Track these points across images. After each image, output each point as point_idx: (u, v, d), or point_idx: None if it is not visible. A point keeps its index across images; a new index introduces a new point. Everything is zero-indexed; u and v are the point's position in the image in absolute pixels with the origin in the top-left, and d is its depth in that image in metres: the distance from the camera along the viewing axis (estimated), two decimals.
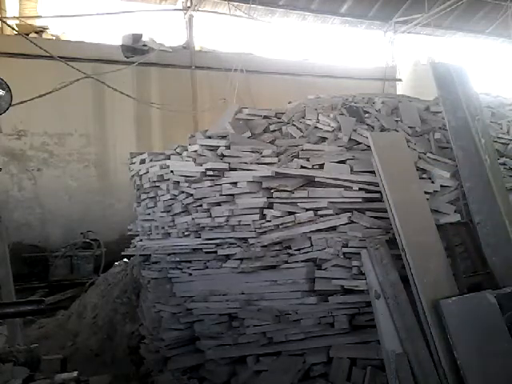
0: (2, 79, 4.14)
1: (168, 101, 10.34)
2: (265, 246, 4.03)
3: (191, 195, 4.39)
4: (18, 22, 10.32)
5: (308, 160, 4.13)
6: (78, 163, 10.13)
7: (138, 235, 5.31)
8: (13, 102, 4.23)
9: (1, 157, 9.32)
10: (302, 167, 4.11)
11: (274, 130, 4.83)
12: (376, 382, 3.44)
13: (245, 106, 5.35)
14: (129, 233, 5.51)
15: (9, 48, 9.29)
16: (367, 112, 4.95)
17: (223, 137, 4.63)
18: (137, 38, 10.39)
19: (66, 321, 6.21)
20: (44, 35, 10.33)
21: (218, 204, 4.24)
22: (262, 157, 4.25)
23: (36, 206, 9.69)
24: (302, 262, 3.91)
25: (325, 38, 13.45)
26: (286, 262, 3.97)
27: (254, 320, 3.93)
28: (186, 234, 4.48)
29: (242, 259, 4.08)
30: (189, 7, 11.19)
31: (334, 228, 3.88)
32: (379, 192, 3.84)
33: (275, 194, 4.01)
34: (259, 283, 4.04)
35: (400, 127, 4.71)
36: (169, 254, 4.59)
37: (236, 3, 11.46)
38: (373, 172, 3.90)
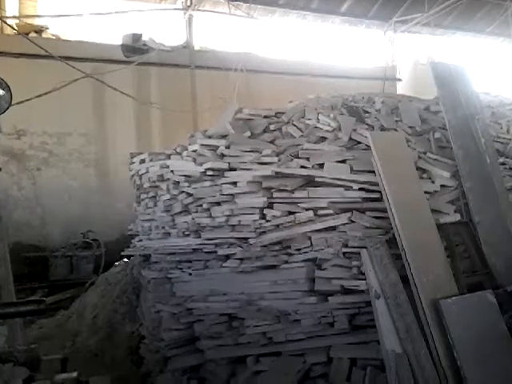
0: (1, 79, 4.13)
1: (168, 100, 10.34)
2: (265, 246, 4.03)
3: (191, 195, 4.38)
4: (17, 21, 10.32)
5: (308, 160, 4.13)
6: (77, 163, 10.12)
7: (137, 235, 5.31)
8: (13, 102, 4.22)
9: (0, 156, 9.31)
10: (302, 167, 4.11)
11: (274, 130, 4.83)
12: (376, 382, 3.44)
13: (245, 105, 5.34)
14: (129, 233, 5.51)
15: (9, 47, 9.28)
16: (367, 112, 4.96)
17: (223, 136, 4.63)
18: (137, 37, 10.38)
19: (66, 321, 6.20)
20: (44, 35, 10.32)
21: (218, 204, 4.23)
22: (262, 156, 4.25)
23: (36, 206, 9.68)
24: (302, 261, 3.90)
25: (325, 38, 13.43)
26: (286, 262, 3.97)
27: (254, 320, 3.92)
28: (185, 233, 4.48)
29: (241, 259, 4.08)
30: (188, 6, 11.18)
31: (333, 228, 3.88)
32: (379, 192, 3.83)
33: (275, 194, 4.00)
34: (259, 283, 4.03)
35: (400, 127, 4.72)
36: (169, 254, 4.59)
37: (236, 2, 11.43)
38: (373, 172, 3.90)
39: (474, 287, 3.66)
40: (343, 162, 4.08)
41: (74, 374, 2.86)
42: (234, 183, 4.13)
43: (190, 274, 4.38)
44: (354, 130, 4.50)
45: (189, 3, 11.19)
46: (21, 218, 9.45)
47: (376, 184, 3.86)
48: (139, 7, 11.05)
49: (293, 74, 11.66)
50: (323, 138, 4.53)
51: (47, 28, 10.44)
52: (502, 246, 4.04)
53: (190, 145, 4.63)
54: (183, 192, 4.47)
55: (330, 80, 11.84)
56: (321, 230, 3.89)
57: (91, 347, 5.39)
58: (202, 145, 4.46)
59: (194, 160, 4.38)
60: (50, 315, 6.43)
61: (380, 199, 3.84)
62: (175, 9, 11.44)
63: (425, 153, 4.41)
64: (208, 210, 4.27)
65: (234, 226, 4.17)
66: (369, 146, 4.04)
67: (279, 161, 4.18)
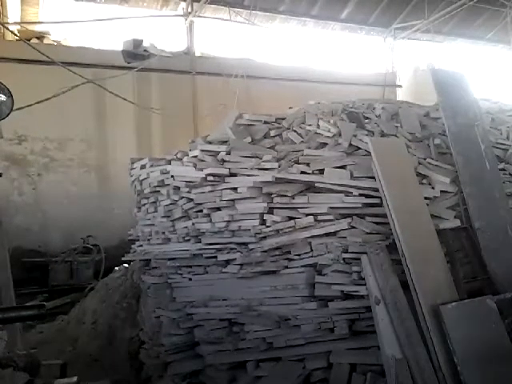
0: (3, 84, 4.15)
1: (168, 106, 10.38)
2: (265, 252, 4.03)
3: (191, 200, 4.39)
4: (19, 27, 10.37)
5: (308, 165, 4.14)
6: (78, 168, 10.15)
7: (138, 240, 5.31)
8: (14, 107, 4.24)
9: (1, 162, 9.33)
10: (303, 172, 4.12)
11: (275, 136, 4.84)
12: None
13: (245, 111, 5.36)
14: (129, 238, 5.51)
15: (10, 53, 9.33)
16: (367, 118, 4.97)
17: (224, 142, 4.64)
18: (138, 43, 10.42)
19: (66, 326, 6.19)
20: (45, 41, 10.38)
21: (219, 209, 4.24)
22: (263, 162, 4.25)
23: (36, 211, 9.70)
24: (302, 267, 3.91)
25: (325, 44, 13.49)
26: (286, 268, 3.97)
27: (254, 325, 3.93)
28: (186, 239, 4.48)
29: (242, 264, 4.08)
30: (189, 13, 11.24)
31: (334, 233, 3.88)
32: (379, 197, 3.84)
33: (275, 200, 4.01)
34: (259, 288, 4.03)
35: (400, 133, 4.73)
36: (169, 259, 4.59)
37: (236, 9, 11.51)
38: (373, 177, 3.91)
39: (474, 293, 3.65)
40: (343, 167, 4.10)
41: (74, 379, 2.87)
42: (235, 189, 4.14)
43: (190, 280, 4.38)
44: (354, 136, 4.51)
45: (190, 9, 11.25)
46: (21, 223, 9.46)
47: (376, 190, 3.87)
48: (140, 13, 11.12)
49: (293, 80, 11.72)
50: (323, 144, 4.54)
51: (49, 34, 10.50)
52: (502, 252, 4.05)
53: (190, 150, 4.64)
54: (183, 197, 4.47)
55: (330, 86, 11.90)
56: (321, 236, 3.89)
57: (91, 352, 5.39)
58: (203, 150, 4.47)
59: (195, 165, 4.39)
60: (50, 320, 6.43)
61: (380, 205, 3.84)
62: (176, 15, 11.50)
63: (425, 159, 4.42)
64: (208, 215, 4.27)
65: (234, 231, 4.17)
66: (369, 152, 4.05)
67: (279, 166, 4.19)
